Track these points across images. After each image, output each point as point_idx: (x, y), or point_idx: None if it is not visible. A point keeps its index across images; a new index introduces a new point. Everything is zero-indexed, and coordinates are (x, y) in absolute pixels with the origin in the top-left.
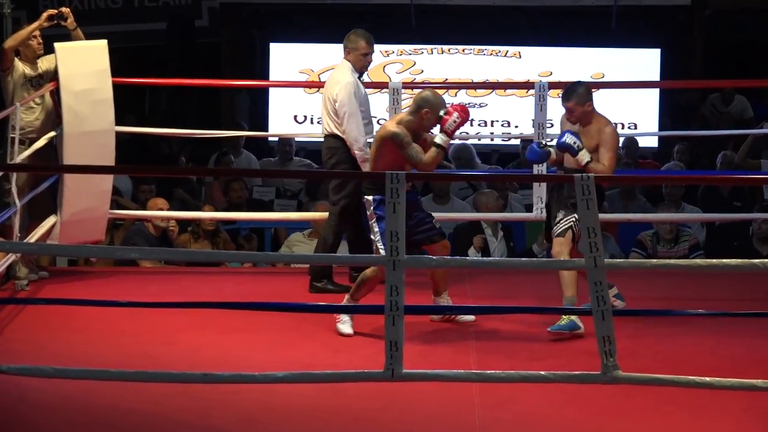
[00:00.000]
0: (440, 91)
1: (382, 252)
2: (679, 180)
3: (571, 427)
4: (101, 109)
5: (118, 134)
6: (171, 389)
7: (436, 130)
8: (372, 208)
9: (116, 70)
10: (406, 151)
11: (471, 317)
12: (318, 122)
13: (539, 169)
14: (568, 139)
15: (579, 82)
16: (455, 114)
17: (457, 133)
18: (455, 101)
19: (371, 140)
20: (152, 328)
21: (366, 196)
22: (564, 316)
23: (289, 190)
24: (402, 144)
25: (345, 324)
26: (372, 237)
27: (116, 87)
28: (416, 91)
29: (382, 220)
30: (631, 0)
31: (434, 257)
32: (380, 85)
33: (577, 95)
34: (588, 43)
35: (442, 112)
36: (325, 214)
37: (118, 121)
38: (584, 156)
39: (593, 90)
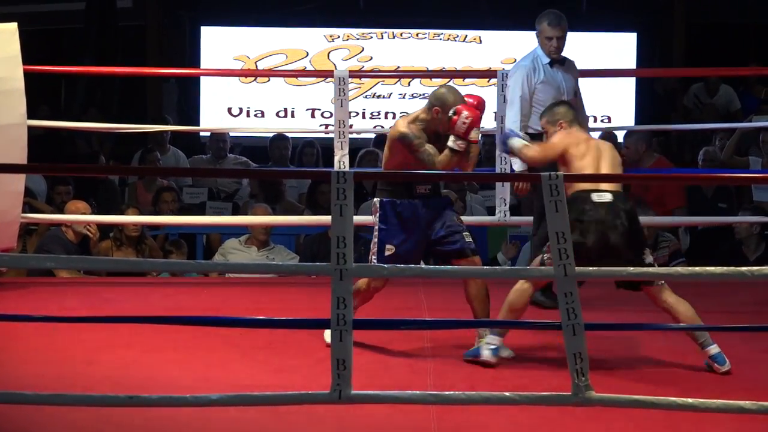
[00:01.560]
0: (391, 81)
1: (374, 262)
2: (653, 179)
3: None
4: (11, 101)
5: (31, 129)
6: (92, 414)
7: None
8: (377, 214)
9: (28, 56)
10: (417, 155)
11: (508, 352)
12: (254, 115)
13: (503, 167)
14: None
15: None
16: (464, 114)
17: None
18: (409, 91)
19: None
20: (70, 345)
21: (375, 198)
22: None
23: (223, 192)
24: (411, 146)
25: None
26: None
27: (28, 75)
28: (364, 80)
29: (381, 230)
30: None
31: (386, 266)
32: (324, 74)
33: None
34: None
35: (451, 112)
36: (264, 218)
37: (31, 114)
38: (515, 142)
39: None
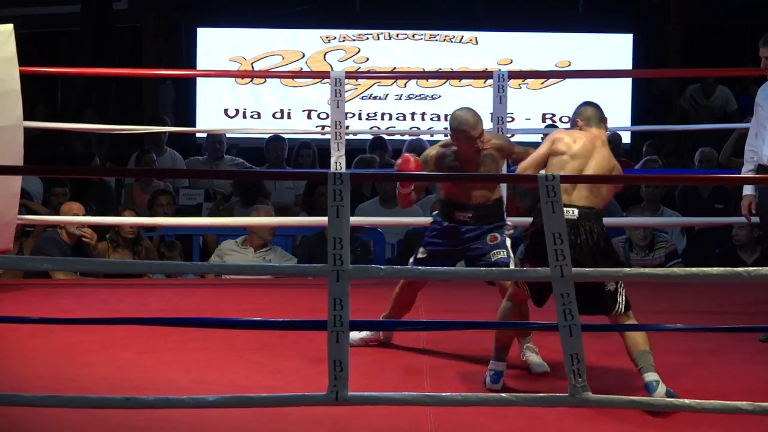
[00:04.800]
0: (387, 82)
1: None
2: (649, 180)
3: None
4: (7, 102)
5: (27, 130)
6: (88, 415)
7: None
8: (430, 225)
9: (24, 58)
10: None
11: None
12: (251, 116)
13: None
14: None
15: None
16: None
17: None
18: (405, 93)
19: None
20: (66, 347)
21: (434, 212)
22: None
23: (219, 193)
24: None
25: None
26: None
27: (24, 77)
28: (360, 81)
29: (426, 237)
30: None
31: (383, 267)
32: (321, 75)
33: None
34: (552, 28)
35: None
36: (261, 219)
37: (27, 116)
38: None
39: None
